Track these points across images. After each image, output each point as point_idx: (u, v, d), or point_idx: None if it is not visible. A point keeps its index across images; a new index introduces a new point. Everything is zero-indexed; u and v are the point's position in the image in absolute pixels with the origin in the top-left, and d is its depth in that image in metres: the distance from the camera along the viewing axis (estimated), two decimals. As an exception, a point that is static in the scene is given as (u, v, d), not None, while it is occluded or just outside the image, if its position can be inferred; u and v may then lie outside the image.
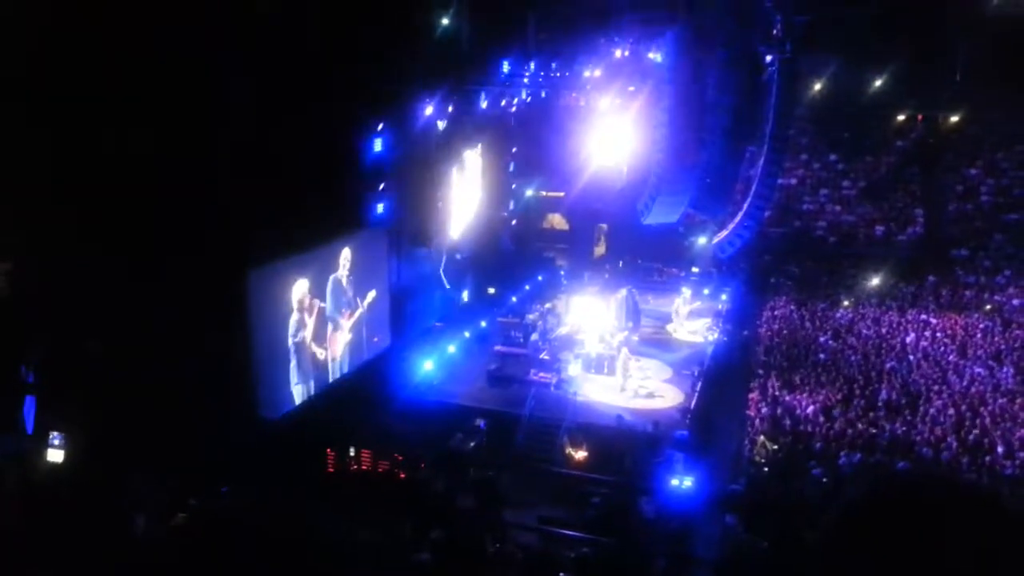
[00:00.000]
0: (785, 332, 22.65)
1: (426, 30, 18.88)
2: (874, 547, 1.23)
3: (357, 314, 17.51)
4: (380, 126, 17.66)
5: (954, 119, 31.53)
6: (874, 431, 16.17)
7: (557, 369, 19.18)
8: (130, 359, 11.74)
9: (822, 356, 20.62)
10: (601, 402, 18.11)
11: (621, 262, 29.12)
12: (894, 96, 31.23)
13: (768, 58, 22.82)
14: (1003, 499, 1.26)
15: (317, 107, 14.58)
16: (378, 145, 17.53)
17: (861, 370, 19.58)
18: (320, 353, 16.22)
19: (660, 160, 21.19)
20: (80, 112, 11.25)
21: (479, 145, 23.27)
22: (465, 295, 23.64)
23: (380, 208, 17.80)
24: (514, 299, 24.44)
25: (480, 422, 16.32)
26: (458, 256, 22.88)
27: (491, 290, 24.87)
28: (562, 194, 29.20)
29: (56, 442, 10.38)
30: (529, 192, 28.49)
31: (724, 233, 26.77)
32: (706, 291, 26.26)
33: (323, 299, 16.16)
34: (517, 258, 27.77)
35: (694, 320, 23.75)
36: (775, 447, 15.51)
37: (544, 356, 19.99)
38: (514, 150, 26.86)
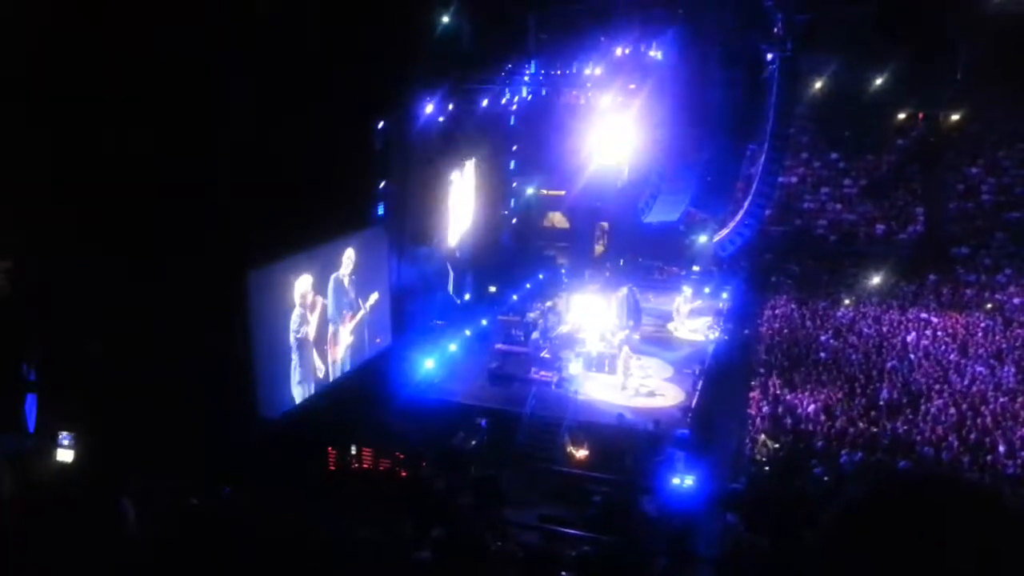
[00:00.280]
0: (786, 331, 22.65)
1: (426, 29, 18.87)
2: (874, 546, 1.23)
3: (359, 316, 17.49)
4: (381, 125, 17.65)
5: (955, 117, 31.50)
6: (875, 430, 16.17)
7: (558, 367, 19.18)
8: (131, 359, 11.75)
9: (823, 355, 20.62)
10: (602, 401, 18.11)
11: (622, 260, 29.12)
12: (895, 94, 31.19)
13: (769, 56, 22.79)
14: (1004, 498, 1.26)
15: (317, 106, 14.57)
16: (379, 144, 17.52)
17: (862, 369, 19.58)
18: (321, 356, 16.21)
19: (661, 158, 21.19)
20: (80, 112, 11.23)
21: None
22: (467, 296, 23.66)
23: (381, 207, 17.80)
24: (515, 297, 24.44)
25: (481, 421, 16.33)
26: (457, 254, 22.89)
27: (492, 288, 24.87)
28: (563, 192, 29.19)
29: (66, 442, 10.37)
30: (530, 190, 28.49)
31: (725, 231, 26.77)
32: (707, 290, 26.25)
33: (326, 297, 16.16)
34: (518, 256, 27.77)
35: (695, 319, 23.75)
36: (776, 446, 15.52)
37: (545, 354, 19.98)
38: (515, 148, 26.86)
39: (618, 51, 24.24)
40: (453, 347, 19.94)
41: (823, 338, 21.99)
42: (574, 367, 19.12)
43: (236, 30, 12.54)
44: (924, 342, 21.48)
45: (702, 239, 27.91)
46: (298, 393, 15.48)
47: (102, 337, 11.78)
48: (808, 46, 24.22)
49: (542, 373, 19.23)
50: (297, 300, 15.16)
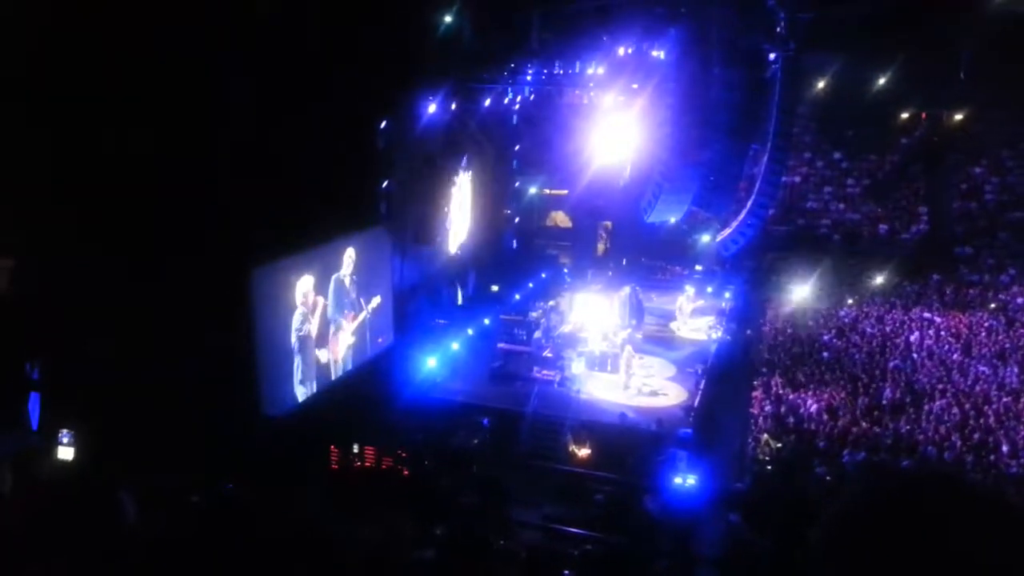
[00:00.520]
0: (789, 330, 22.62)
1: (429, 28, 18.87)
2: (874, 545, 1.22)
3: (361, 317, 17.48)
4: (384, 124, 17.65)
5: (958, 117, 31.44)
6: (878, 430, 16.14)
7: (560, 367, 19.18)
8: (134, 357, 11.76)
9: (826, 354, 20.59)
10: (604, 400, 18.11)
11: (624, 260, 29.09)
12: (898, 94, 31.14)
13: (772, 55, 22.76)
14: (1007, 498, 1.25)
15: (319, 106, 14.57)
16: (381, 143, 17.52)
17: (865, 368, 19.55)
18: (323, 355, 16.22)
19: (663, 158, 21.17)
20: (80, 112, 11.23)
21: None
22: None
23: (383, 206, 17.79)
24: (517, 297, 24.44)
25: (483, 419, 16.34)
26: (457, 258, 22.90)
27: (494, 288, 24.87)
28: (565, 192, 29.18)
29: (65, 440, 10.40)
30: (532, 190, 28.48)
31: (728, 231, 26.73)
32: (709, 289, 26.23)
33: (327, 297, 16.17)
34: (520, 256, 27.77)
35: (697, 318, 23.73)
36: (779, 445, 15.51)
37: (547, 354, 19.98)
38: (517, 148, 26.85)
39: (621, 50, 24.20)
40: (455, 346, 19.94)
41: (826, 338, 21.96)
42: (576, 366, 19.12)
43: (236, 30, 12.53)
44: (927, 342, 21.44)
45: (705, 238, 27.89)
46: (300, 392, 15.49)
47: (105, 336, 11.81)
48: (811, 45, 24.19)
49: (544, 372, 19.23)
50: (299, 300, 15.17)
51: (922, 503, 1.26)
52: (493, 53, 21.84)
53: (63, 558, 1.86)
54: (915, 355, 20.42)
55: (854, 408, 17.17)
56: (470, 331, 21.08)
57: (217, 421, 11.92)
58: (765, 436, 15.79)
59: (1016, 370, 19.12)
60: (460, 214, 22.62)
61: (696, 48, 19.95)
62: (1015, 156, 31.24)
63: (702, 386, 18.51)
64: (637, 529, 12.09)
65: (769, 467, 14.99)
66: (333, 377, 16.70)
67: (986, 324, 22.67)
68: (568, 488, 14.50)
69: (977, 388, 18.10)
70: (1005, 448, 15.31)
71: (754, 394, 18.19)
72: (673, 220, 24.29)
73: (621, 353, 19.23)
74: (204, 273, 12.18)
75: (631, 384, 18.65)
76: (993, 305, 24.67)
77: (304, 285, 15.29)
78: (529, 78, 24.21)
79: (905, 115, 32.53)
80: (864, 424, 16.32)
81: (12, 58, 10.53)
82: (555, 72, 25.01)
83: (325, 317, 16.13)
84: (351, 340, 17.26)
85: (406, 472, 14.23)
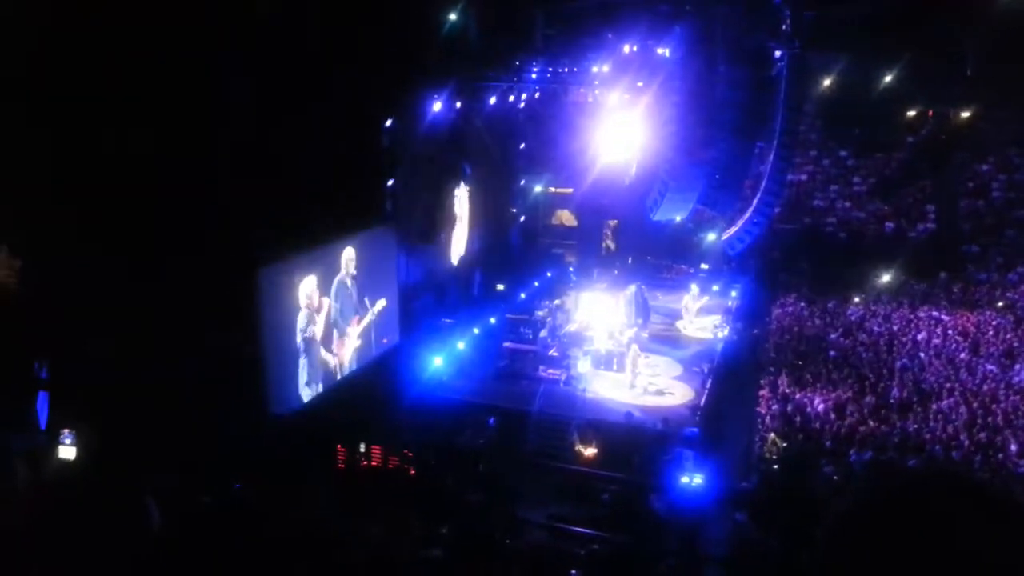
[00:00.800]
0: (795, 329, 22.57)
1: (434, 27, 18.88)
2: (879, 544, 1.22)
3: (366, 320, 17.44)
4: (388, 123, 17.66)
5: (965, 115, 31.30)
6: (885, 429, 16.10)
7: (566, 366, 19.17)
8: (141, 357, 11.81)
9: (832, 353, 20.54)
10: (610, 399, 18.09)
11: (630, 258, 29.06)
12: (904, 92, 30.99)
13: (777, 54, 22.70)
14: (1013, 497, 1.25)
15: (323, 106, 14.58)
16: (386, 142, 17.54)
17: (872, 367, 19.49)
18: (329, 358, 16.19)
19: (669, 156, 21.12)
20: (80, 112, 11.24)
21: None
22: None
23: (389, 205, 17.81)
24: (523, 295, 24.44)
25: (489, 419, 16.35)
26: (463, 251, 22.96)
27: (500, 286, 24.87)
28: (571, 190, 29.16)
29: (68, 440, 10.45)
30: (537, 188, 28.47)
31: (733, 229, 26.66)
32: (715, 288, 26.18)
33: (332, 297, 16.16)
34: (526, 254, 27.77)
35: (704, 317, 23.69)
36: (785, 444, 15.48)
37: (553, 353, 19.98)
38: (522, 146, 26.84)
39: (626, 48, 24.15)
40: (461, 345, 19.95)
41: (833, 336, 21.91)
42: (582, 365, 19.10)
43: (237, 30, 12.53)
44: (935, 340, 21.37)
45: (711, 237, 27.81)
46: (306, 393, 15.51)
47: (113, 336, 11.86)
48: (817, 43, 24.12)
49: (550, 371, 19.23)
50: (303, 301, 15.18)
51: (927, 502, 1.26)
52: (498, 52, 21.83)
53: (78, 557, 1.88)
54: (922, 354, 20.35)
55: (861, 407, 17.12)
56: (476, 330, 21.09)
57: (223, 421, 11.95)
58: (772, 435, 15.76)
59: (1024, 368, 19.06)
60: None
61: (702, 46, 19.91)
62: (1022, 154, 31.08)
63: (708, 385, 18.47)
64: (643, 528, 12.10)
65: (776, 466, 14.97)
66: (338, 378, 16.71)
67: (994, 322, 22.59)
68: (574, 487, 14.51)
69: (985, 387, 18.03)
70: (1013, 447, 15.26)
71: (761, 393, 18.15)
72: (679, 218, 24.24)
73: (627, 352, 19.21)
74: (209, 274, 12.20)
75: (637, 383, 18.64)
76: (1001, 303, 24.58)
77: (308, 286, 15.28)
78: (534, 76, 24.19)
79: (912, 113, 32.38)
80: (871, 423, 16.28)
81: (12, 58, 10.55)
82: (560, 70, 24.99)
83: (330, 319, 16.12)
84: (357, 343, 17.24)
85: (412, 471, 14.27)
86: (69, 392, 12.11)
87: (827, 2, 24.08)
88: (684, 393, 18.59)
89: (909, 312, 23.83)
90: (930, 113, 32.12)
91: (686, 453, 14.32)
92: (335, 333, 16.38)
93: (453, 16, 19.35)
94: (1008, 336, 21.46)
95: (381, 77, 16.40)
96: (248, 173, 12.85)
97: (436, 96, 19.31)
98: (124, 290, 11.60)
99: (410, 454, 14.42)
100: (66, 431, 10.59)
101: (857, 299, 25.14)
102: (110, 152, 11.41)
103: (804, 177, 32.26)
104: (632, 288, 22.71)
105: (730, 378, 19.27)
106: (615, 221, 30.07)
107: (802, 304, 24.82)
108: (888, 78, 30.88)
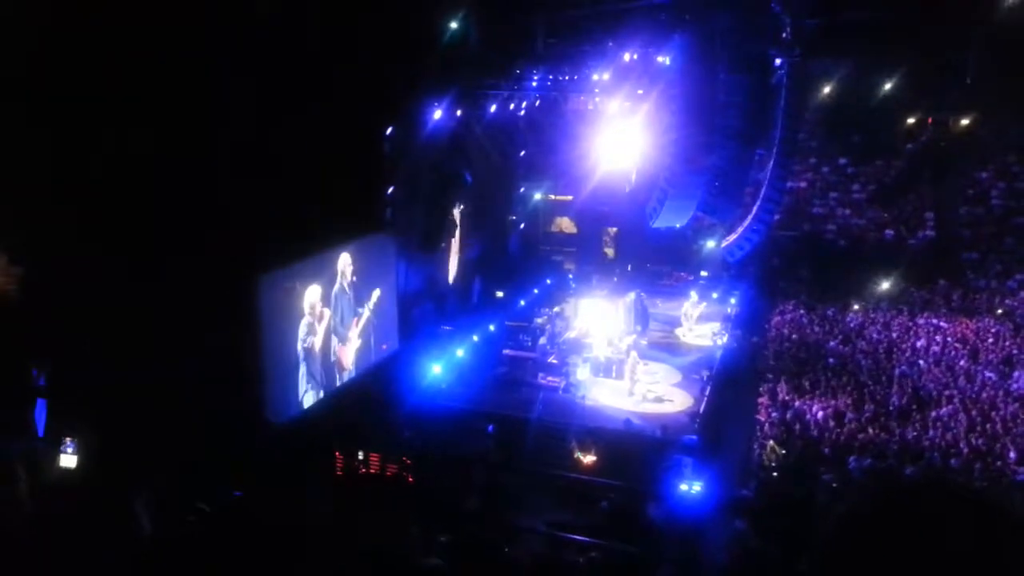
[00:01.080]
0: (795, 336, 22.57)
1: (434, 34, 18.93)
2: (873, 551, 1.23)
3: (364, 319, 17.50)
4: (389, 130, 17.69)
5: (965, 122, 31.36)
6: (884, 436, 16.08)
7: (565, 373, 19.17)
8: (139, 363, 11.79)
9: (832, 361, 20.53)
10: (609, 406, 18.09)
11: (630, 266, 29.09)
12: (904, 99, 31.07)
13: (777, 61, 22.76)
14: (1005, 505, 1.25)
15: (322, 111, 14.60)
16: (387, 149, 17.56)
17: (871, 375, 19.48)
18: (328, 361, 16.20)
19: (669, 163, 21.15)
20: (80, 112, 11.25)
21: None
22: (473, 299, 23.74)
23: (389, 212, 17.83)
24: (522, 303, 24.46)
25: (488, 426, 16.33)
26: (462, 258, 22.96)
27: (499, 294, 24.88)
28: (570, 198, 29.23)
29: (69, 448, 10.43)
30: (537, 195, 28.51)
31: (733, 237, 26.69)
32: (715, 295, 26.19)
33: (332, 307, 16.17)
34: (525, 262, 27.79)
35: (703, 324, 23.71)
36: (784, 452, 15.45)
37: (552, 360, 19.98)
38: (523, 153, 26.89)
39: (626, 56, 24.24)
40: (460, 352, 19.96)
41: (832, 344, 21.90)
42: (581, 372, 19.10)
43: (238, 29, 12.55)
44: (934, 348, 21.36)
45: (710, 244, 27.87)
46: (307, 400, 15.51)
47: (111, 342, 11.85)
48: (817, 51, 24.17)
49: (549, 378, 19.22)
50: (307, 309, 15.20)
51: (921, 511, 1.26)
52: (498, 59, 21.89)
53: (75, 559, 1.88)
54: (922, 361, 20.34)
55: (860, 414, 17.11)
56: (475, 337, 21.10)
57: (223, 427, 11.93)
58: (771, 442, 15.74)
59: (1023, 376, 19.02)
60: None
61: (702, 54, 19.96)
62: (1022, 161, 31.13)
63: (707, 392, 18.47)
64: (642, 536, 12.07)
65: (775, 474, 14.94)
66: (339, 383, 16.71)
67: (993, 330, 22.57)
68: (573, 494, 14.48)
69: (984, 394, 18.01)
70: (1012, 455, 15.23)
71: (760, 400, 18.14)
72: (678, 226, 24.26)
73: (626, 359, 19.21)
74: (212, 279, 12.20)
75: (636, 390, 18.63)
76: (1000, 310, 24.57)
77: (312, 295, 15.31)
78: (534, 84, 24.27)
79: (911, 120, 32.44)
80: (871, 430, 16.26)
81: (12, 58, 10.56)
82: (560, 78, 25.06)
83: (330, 328, 16.13)
84: (358, 343, 17.27)
85: (411, 479, 14.24)
86: (67, 398, 12.08)
87: (827, 9, 24.12)
88: (683, 400, 18.59)
89: (908, 319, 23.82)
90: (929, 120, 32.16)
91: (685, 460, 14.30)
92: (335, 340, 16.40)
93: (454, 24, 19.41)
94: (1007, 343, 21.45)
95: (382, 84, 16.44)
96: (248, 178, 12.85)
97: (437, 103, 19.36)
98: (122, 294, 11.59)
99: (409, 461, 14.40)
100: (68, 439, 10.58)
101: (856, 306, 25.14)
102: (110, 152, 11.41)
103: (804, 184, 32.31)
104: (631, 295, 22.73)
105: (729, 385, 19.25)
106: (615, 228, 30.12)
107: (801, 311, 24.80)
108: (888, 85, 30.95)
